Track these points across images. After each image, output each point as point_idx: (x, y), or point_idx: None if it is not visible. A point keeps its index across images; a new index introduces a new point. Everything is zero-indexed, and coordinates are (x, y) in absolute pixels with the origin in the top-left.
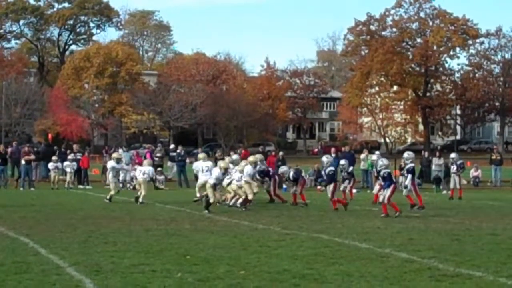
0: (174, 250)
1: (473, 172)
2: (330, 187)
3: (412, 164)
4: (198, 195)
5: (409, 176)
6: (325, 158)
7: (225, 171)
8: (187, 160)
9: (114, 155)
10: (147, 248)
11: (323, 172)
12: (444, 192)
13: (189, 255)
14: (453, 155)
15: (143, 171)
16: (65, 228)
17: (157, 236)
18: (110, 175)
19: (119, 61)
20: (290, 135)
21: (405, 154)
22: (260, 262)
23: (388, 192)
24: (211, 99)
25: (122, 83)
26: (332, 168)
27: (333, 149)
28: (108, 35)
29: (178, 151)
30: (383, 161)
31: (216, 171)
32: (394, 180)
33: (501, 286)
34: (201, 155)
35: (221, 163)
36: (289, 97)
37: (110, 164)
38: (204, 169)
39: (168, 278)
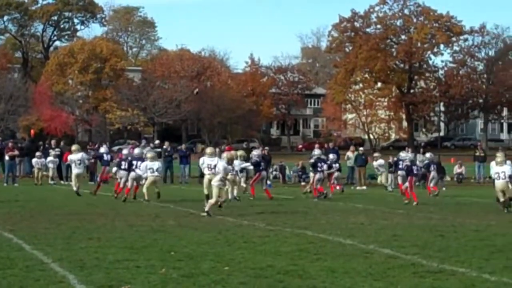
0: (159, 246)
1: (457, 169)
2: (316, 175)
3: (409, 163)
4: (206, 192)
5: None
6: (317, 151)
7: (231, 162)
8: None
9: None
10: (131, 244)
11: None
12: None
13: (174, 251)
14: (428, 155)
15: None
16: (49, 224)
17: (142, 232)
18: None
19: (103, 57)
20: (274, 132)
21: (402, 154)
22: (245, 258)
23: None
24: (196, 95)
25: (107, 79)
26: (316, 157)
27: (316, 145)
28: (92, 31)
29: (164, 147)
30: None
31: (221, 164)
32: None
33: (484, 282)
34: (209, 150)
35: (226, 154)
36: (273, 94)
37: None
38: (211, 166)
39: (152, 274)
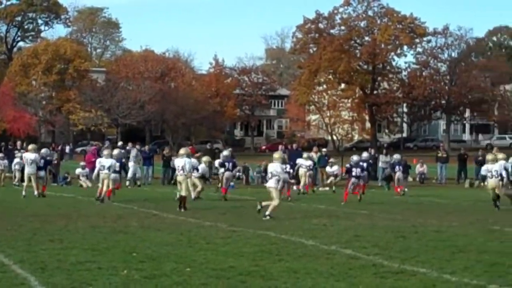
0: (121, 247)
1: (418, 168)
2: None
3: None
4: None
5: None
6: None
7: (285, 162)
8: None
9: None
10: (93, 246)
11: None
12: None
13: (136, 252)
14: (395, 156)
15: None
16: (10, 226)
17: (104, 234)
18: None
19: (67, 58)
20: (238, 133)
21: (354, 157)
22: (207, 259)
23: None
24: (160, 96)
25: (70, 80)
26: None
27: (280, 146)
28: (56, 31)
29: (128, 148)
30: None
31: (278, 166)
32: None
33: (445, 283)
34: (182, 151)
35: (277, 155)
36: (237, 95)
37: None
38: (179, 167)
39: (114, 276)
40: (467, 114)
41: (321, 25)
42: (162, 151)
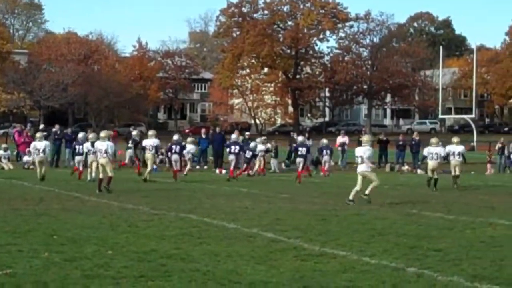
0: (42, 230)
1: (340, 139)
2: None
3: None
4: (101, 176)
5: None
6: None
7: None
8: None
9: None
10: (14, 228)
11: None
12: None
13: (57, 235)
14: (324, 140)
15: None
16: None
17: (25, 216)
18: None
19: None
20: (161, 116)
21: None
22: (128, 242)
23: None
24: (83, 79)
25: None
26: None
27: (203, 130)
28: None
29: (54, 129)
30: None
31: (367, 149)
32: None
33: (364, 265)
34: (103, 134)
35: (366, 138)
36: (161, 78)
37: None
38: (102, 150)
39: (35, 258)
40: (388, 99)
41: (244, 9)
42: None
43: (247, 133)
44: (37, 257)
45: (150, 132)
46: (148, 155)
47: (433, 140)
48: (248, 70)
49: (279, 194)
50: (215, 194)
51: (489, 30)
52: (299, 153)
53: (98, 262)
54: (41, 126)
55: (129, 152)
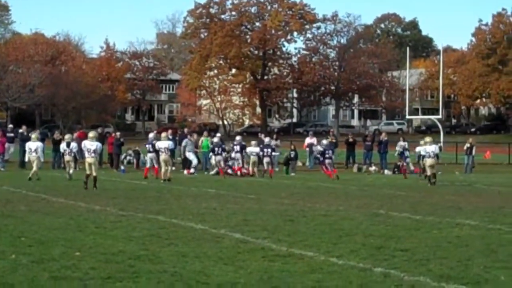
0: (9, 231)
1: (308, 140)
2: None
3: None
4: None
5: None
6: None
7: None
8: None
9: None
10: None
11: None
12: (293, 174)
13: (24, 237)
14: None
15: None
16: None
17: None
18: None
19: None
20: (129, 117)
21: (266, 139)
22: (96, 243)
23: None
24: (50, 80)
25: None
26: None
27: (169, 131)
28: None
29: (21, 131)
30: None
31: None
32: None
33: (331, 266)
34: (91, 134)
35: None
36: (129, 79)
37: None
38: (91, 150)
39: (2, 260)
40: (356, 100)
41: (212, 10)
42: (52, 135)
43: (218, 134)
44: (4, 259)
45: (163, 135)
46: (165, 156)
47: (427, 139)
48: (216, 71)
49: (247, 195)
50: (183, 195)
51: (455, 31)
52: (264, 154)
53: (66, 264)
54: (10, 126)
55: (150, 156)
